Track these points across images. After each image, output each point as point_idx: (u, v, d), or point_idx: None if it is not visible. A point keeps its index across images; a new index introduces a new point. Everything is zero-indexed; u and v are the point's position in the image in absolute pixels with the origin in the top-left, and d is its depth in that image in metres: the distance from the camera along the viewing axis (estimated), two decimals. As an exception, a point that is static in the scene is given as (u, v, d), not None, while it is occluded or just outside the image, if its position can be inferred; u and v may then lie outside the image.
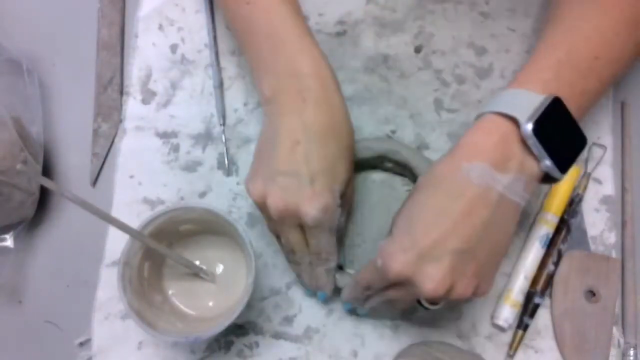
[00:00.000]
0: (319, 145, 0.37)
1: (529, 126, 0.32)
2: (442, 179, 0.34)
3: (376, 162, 0.46)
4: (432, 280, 0.32)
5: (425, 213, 0.34)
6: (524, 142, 0.33)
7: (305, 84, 0.38)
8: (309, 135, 0.37)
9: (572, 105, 0.34)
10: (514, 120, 0.33)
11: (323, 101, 0.38)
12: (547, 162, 0.33)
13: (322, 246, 0.39)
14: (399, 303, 0.39)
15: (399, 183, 0.47)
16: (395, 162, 0.45)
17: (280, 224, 0.39)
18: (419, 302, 0.38)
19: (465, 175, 0.33)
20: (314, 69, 0.38)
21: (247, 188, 0.39)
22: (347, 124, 0.40)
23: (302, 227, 0.39)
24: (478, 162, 0.33)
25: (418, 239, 0.33)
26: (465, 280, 0.33)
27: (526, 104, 0.33)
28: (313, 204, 0.36)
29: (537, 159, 0.34)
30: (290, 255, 0.41)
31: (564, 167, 0.34)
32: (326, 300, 0.43)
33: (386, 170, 0.47)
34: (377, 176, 0.47)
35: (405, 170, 0.46)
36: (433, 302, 0.38)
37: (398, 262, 0.33)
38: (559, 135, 0.34)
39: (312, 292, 0.44)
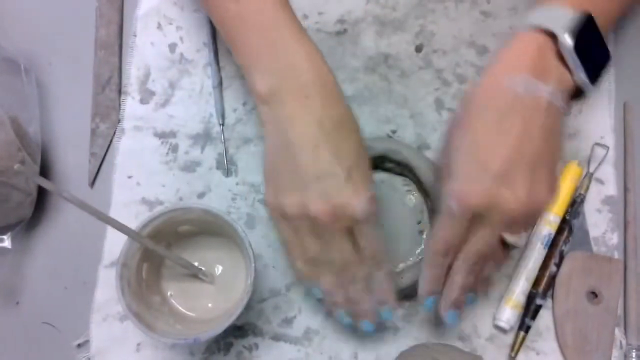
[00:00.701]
0: (340, 139, 0.36)
1: (569, 40, 0.34)
2: (488, 98, 0.35)
3: (377, 162, 0.45)
4: (515, 198, 0.33)
5: (485, 136, 0.34)
6: (559, 55, 0.35)
7: (305, 79, 0.37)
8: (326, 132, 0.36)
9: (598, 23, 0.36)
10: (549, 35, 0.35)
11: (326, 95, 0.37)
12: (582, 75, 0.35)
13: (376, 246, 0.37)
14: (483, 254, 0.36)
15: (399, 183, 0.46)
16: (396, 162, 0.45)
17: (326, 234, 0.36)
18: (502, 243, 0.37)
19: (512, 89, 0.34)
20: (312, 64, 0.37)
21: (278, 204, 0.37)
22: (352, 114, 0.39)
23: (350, 232, 0.37)
24: (520, 74, 0.34)
25: (488, 164, 0.33)
26: (542, 189, 0.34)
27: (563, 19, 0.35)
28: (360, 197, 0.35)
29: (571, 72, 0.35)
30: (335, 291, 0.38)
31: (594, 80, 0.36)
32: (374, 330, 0.39)
33: (386, 170, 0.46)
34: (377, 176, 0.46)
35: (406, 170, 0.45)
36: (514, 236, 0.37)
37: (475, 194, 0.33)
38: (589, 50, 0.35)
39: (352, 325, 0.40)
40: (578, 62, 0.35)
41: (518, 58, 0.35)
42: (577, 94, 0.37)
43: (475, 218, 0.35)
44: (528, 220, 0.36)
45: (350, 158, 0.36)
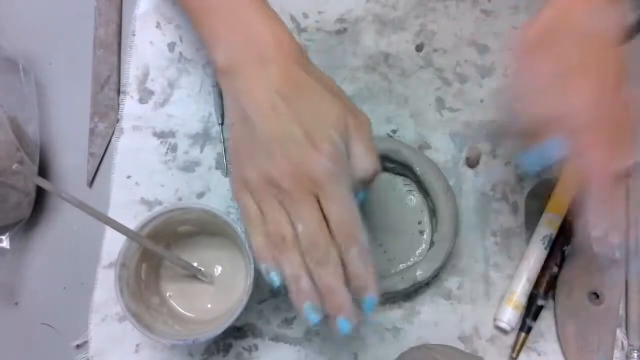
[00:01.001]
0: (298, 101, 0.34)
1: None
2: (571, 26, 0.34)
3: None
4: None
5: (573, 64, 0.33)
6: None
7: (262, 48, 0.35)
8: (283, 96, 0.34)
9: None
10: None
11: (284, 61, 0.35)
12: None
13: (345, 212, 0.33)
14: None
15: (400, 183, 0.46)
16: (397, 162, 0.44)
17: (291, 202, 0.33)
18: None
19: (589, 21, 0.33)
20: (270, 33, 0.36)
21: (241, 178, 0.35)
22: (323, 76, 0.36)
23: (318, 201, 0.33)
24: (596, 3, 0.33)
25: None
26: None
27: None
28: (319, 154, 0.32)
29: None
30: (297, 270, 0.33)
31: None
32: (351, 330, 0.33)
33: (387, 170, 0.46)
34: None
35: (406, 170, 0.45)
36: None
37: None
38: None
39: (320, 323, 0.33)
40: None
41: None
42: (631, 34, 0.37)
43: None
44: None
45: (309, 117, 0.34)
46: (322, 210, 0.33)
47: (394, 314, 0.44)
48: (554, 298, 0.44)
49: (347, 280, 0.33)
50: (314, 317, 0.33)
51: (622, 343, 0.43)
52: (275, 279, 0.34)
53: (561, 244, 0.44)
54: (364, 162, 0.35)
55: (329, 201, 0.33)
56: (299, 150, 0.33)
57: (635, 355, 0.42)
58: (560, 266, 0.44)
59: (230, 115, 0.37)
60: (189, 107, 0.49)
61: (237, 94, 0.35)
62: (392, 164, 0.45)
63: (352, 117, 0.35)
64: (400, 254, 0.44)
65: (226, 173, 0.47)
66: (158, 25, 0.50)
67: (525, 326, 0.43)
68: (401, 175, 0.46)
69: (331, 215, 0.33)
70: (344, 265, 0.33)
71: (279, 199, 0.33)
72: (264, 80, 0.34)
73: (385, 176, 0.46)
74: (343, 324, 0.32)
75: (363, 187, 0.36)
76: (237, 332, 0.44)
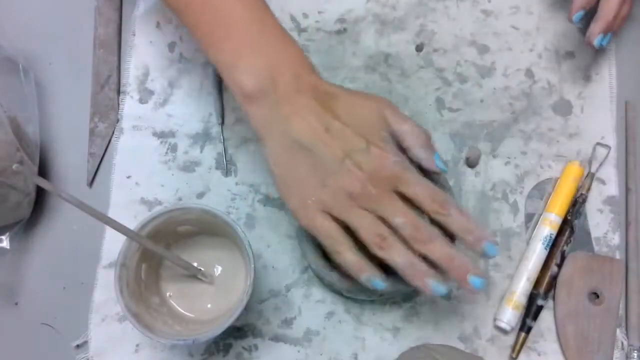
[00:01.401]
0: (342, 114, 0.37)
1: None
2: None
3: None
4: None
5: None
6: None
7: (296, 71, 0.37)
8: (329, 116, 0.36)
9: None
10: None
11: (315, 82, 0.38)
12: None
13: (430, 189, 0.36)
14: None
15: None
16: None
17: (375, 204, 0.36)
18: None
19: None
20: (294, 57, 0.38)
21: (316, 202, 0.36)
22: (340, 86, 0.39)
23: (397, 194, 0.36)
24: None
25: None
26: None
27: None
28: (387, 155, 0.36)
29: None
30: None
31: None
32: (484, 284, 0.35)
33: None
34: None
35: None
36: None
37: None
38: None
39: (450, 292, 0.39)
40: None
41: None
42: None
43: None
44: None
45: (360, 126, 0.36)
46: (406, 198, 0.36)
47: (394, 314, 0.44)
48: (553, 298, 0.44)
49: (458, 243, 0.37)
50: (441, 289, 0.35)
51: (622, 343, 0.43)
52: (379, 283, 0.36)
53: (561, 244, 0.44)
54: (413, 132, 0.38)
55: (411, 187, 0.36)
56: (368, 158, 0.36)
57: (635, 355, 0.42)
58: (560, 266, 0.44)
59: (271, 141, 0.37)
60: (189, 107, 0.49)
61: (279, 124, 0.36)
62: None
63: (381, 106, 0.39)
64: None
65: (226, 173, 0.47)
66: (158, 25, 0.50)
67: (525, 326, 0.43)
68: None
69: (419, 197, 0.36)
70: (450, 230, 0.36)
71: (365, 206, 0.36)
72: (306, 104, 0.36)
73: None
74: (475, 280, 0.35)
75: (432, 151, 0.38)
76: (237, 332, 0.44)
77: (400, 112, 0.39)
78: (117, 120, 0.49)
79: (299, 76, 0.37)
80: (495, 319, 0.43)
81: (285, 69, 0.37)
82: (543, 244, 0.44)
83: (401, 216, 0.36)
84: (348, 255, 0.36)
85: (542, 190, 0.46)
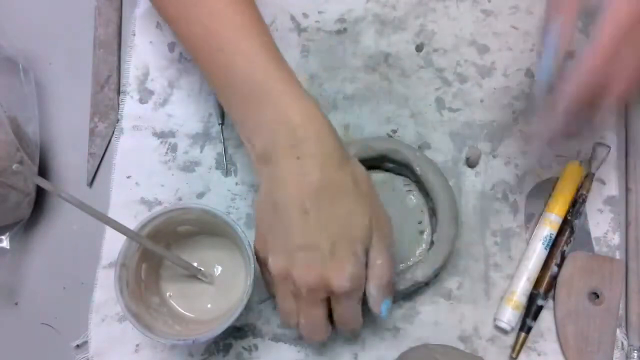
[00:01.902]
0: (327, 206, 0.34)
1: None
2: None
3: (377, 162, 0.45)
4: None
5: None
6: None
7: (298, 136, 0.34)
8: (314, 198, 0.34)
9: None
10: None
11: (321, 154, 0.34)
12: None
13: (349, 315, 0.37)
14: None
15: (400, 183, 0.46)
16: (396, 162, 0.44)
17: (306, 300, 0.36)
18: None
19: None
20: (306, 119, 0.35)
21: (264, 259, 0.37)
22: (355, 172, 0.36)
23: (328, 300, 0.36)
24: None
25: None
26: None
27: None
28: (342, 274, 0.34)
29: None
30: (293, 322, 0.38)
31: None
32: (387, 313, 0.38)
33: (387, 170, 0.46)
34: (377, 176, 0.46)
35: (406, 170, 0.45)
36: None
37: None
38: None
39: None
40: None
41: None
42: None
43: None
44: None
45: (337, 229, 0.34)
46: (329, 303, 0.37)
47: (394, 314, 0.44)
48: (554, 298, 0.44)
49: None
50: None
51: (622, 343, 0.43)
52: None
53: (561, 244, 0.44)
54: (382, 271, 0.36)
55: (339, 307, 0.36)
56: (322, 264, 0.34)
57: (635, 355, 0.42)
58: (560, 266, 0.44)
59: (262, 192, 0.37)
60: (189, 107, 0.49)
61: (272, 182, 0.36)
62: (392, 163, 0.45)
63: (377, 225, 0.36)
64: (400, 254, 0.44)
65: (226, 173, 0.47)
66: (158, 26, 0.50)
67: (525, 326, 0.43)
68: (401, 175, 0.46)
69: (337, 316, 0.37)
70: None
71: (292, 292, 0.36)
72: (299, 177, 0.34)
73: (385, 176, 0.46)
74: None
75: (384, 296, 0.37)
76: (237, 332, 0.44)
77: (385, 241, 0.36)
78: (117, 120, 0.49)
79: (303, 145, 0.35)
80: (495, 319, 0.43)
81: (292, 135, 0.35)
82: (543, 244, 0.44)
83: (307, 320, 0.37)
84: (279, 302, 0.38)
85: (542, 190, 0.46)
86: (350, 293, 0.35)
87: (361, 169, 0.37)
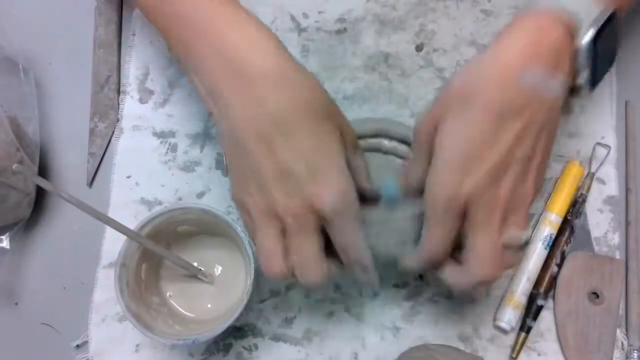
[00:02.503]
0: (291, 128, 0.31)
1: (588, 37, 0.31)
2: (497, 89, 0.31)
3: (373, 145, 0.43)
4: (503, 193, 0.32)
5: (484, 128, 0.31)
6: (572, 49, 0.32)
7: (239, 58, 0.32)
8: (274, 124, 0.31)
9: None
10: (568, 23, 0.32)
11: (271, 75, 0.32)
12: (585, 76, 0.33)
13: (348, 240, 0.33)
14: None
15: (398, 164, 0.43)
16: (394, 138, 0.43)
17: (295, 232, 0.33)
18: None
19: (523, 84, 0.31)
20: (247, 39, 0.32)
21: (243, 203, 0.34)
22: (312, 85, 0.33)
23: (323, 230, 0.33)
24: (536, 67, 0.31)
25: (483, 158, 0.31)
26: (529, 187, 0.33)
27: (589, 11, 0.32)
28: (327, 189, 0.31)
29: (576, 71, 0.33)
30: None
31: (594, 85, 0.34)
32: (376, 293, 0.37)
33: (385, 153, 0.44)
34: (375, 160, 0.43)
35: (403, 147, 0.43)
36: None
37: (467, 185, 0.31)
38: (600, 50, 0.33)
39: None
40: (588, 63, 0.32)
41: (536, 47, 0.31)
42: (571, 93, 0.35)
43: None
44: (512, 214, 0.33)
45: (307, 148, 0.32)
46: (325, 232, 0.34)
47: (394, 314, 0.44)
48: (553, 298, 0.44)
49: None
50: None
51: (622, 343, 0.43)
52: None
53: (561, 244, 0.44)
54: (362, 174, 0.36)
55: (334, 232, 0.33)
56: (303, 187, 0.32)
57: (635, 355, 0.42)
58: (560, 266, 0.44)
59: (221, 133, 0.34)
60: (189, 107, 0.49)
61: (227, 118, 0.33)
62: (389, 141, 0.43)
63: (346, 132, 0.35)
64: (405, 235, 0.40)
65: (226, 173, 0.47)
66: (158, 25, 0.50)
67: (525, 326, 0.43)
68: (401, 158, 0.43)
69: (337, 245, 0.34)
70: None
71: (281, 231, 0.33)
72: (250, 106, 0.32)
73: (382, 159, 0.43)
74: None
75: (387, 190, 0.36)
76: (237, 331, 0.44)
77: (357, 145, 0.36)
78: (117, 120, 0.49)
79: (254, 76, 0.32)
80: (495, 319, 0.43)
81: (240, 66, 0.32)
82: (543, 243, 0.44)
83: (299, 257, 0.33)
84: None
85: (542, 190, 0.46)
86: (340, 211, 0.32)
87: (317, 82, 0.34)
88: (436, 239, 0.33)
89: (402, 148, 0.43)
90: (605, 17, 0.32)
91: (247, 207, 0.34)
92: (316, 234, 0.33)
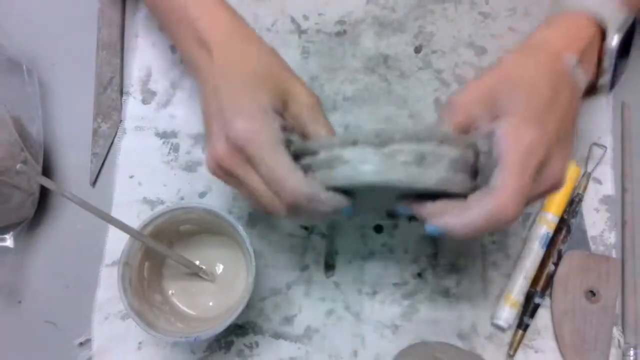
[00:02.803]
0: (236, 90, 0.35)
1: (615, 41, 0.34)
2: (546, 70, 0.33)
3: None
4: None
5: (538, 105, 0.32)
6: (599, 50, 0.34)
7: (199, 29, 0.37)
8: (215, 79, 0.36)
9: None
10: (599, 27, 0.34)
11: (225, 44, 0.37)
12: (607, 78, 0.36)
13: (269, 176, 0.33)
14: None
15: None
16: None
17: (230, 172, 0.35)
18: None
19: (566, 68, 0.33)
20: (207, 13, 0.38)
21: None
22: (260, 56, 0.37)
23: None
24: (575, 55, 0.33)
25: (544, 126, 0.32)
26: (563, 169, 0.33)
27: (616, 16, 0.34)
28: (235, 123, 0.34)
29: (599, 72, 0.35)
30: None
31: (613, 85, 0.37)
32: (350, 213, 0.35)
33: None
34: None
35: None
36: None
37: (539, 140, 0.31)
38: (620, 54, 0.35)
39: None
40: (612, 65, 0.35)
41: (573, 39, 0.34)
42: (589, 93, 0.37)
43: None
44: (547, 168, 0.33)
45: (240, 102, 0.35)
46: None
47: (393, 312, 0.44)
48: (550, 296, 0.44)
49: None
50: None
51: (619, 341, 0.43)
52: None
53: (558, 243, 0.44)
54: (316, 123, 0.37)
55: (257, 168, 0.34)
56: (226, 130, 0.34)
57: (631, 352, 0.43)
58: (557, 265, 0.44)
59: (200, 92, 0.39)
60: (191, 107, 0.49)
61: (200, 90, 0.38)
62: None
63: (295, 93, 0.37)
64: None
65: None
66: (161, 27, 0.51)
67: (522, 324, 0.43)
68: None
69: (262, 176, 0.34)
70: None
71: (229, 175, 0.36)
72: (210, 67, 0.37)
73: None
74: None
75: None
76: (238, 329, 0.44)
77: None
78: (120, 121, 0.49)
79: (205, 37, 0.37)
80: (492, 317, 0.44)
81: (194, 30, 0.38)
82: (540, 242, 0.44)
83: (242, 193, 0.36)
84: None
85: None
86: (245, 145, 0.33)
87: (261, 46, 0.38)
88: (514, 189, 0.31)
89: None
90: (629, 23, 0.34)
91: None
92: (247, 165, 0.35)
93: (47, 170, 0.48)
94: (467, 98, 0.34)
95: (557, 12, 0.36)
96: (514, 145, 0.31)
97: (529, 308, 0.43)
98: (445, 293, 0.45)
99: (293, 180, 0.33)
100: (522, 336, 0.43)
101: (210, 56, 0.37)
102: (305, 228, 0.46)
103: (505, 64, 0.34)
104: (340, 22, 0.50)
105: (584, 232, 0.45)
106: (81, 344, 0.45)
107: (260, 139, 0.33)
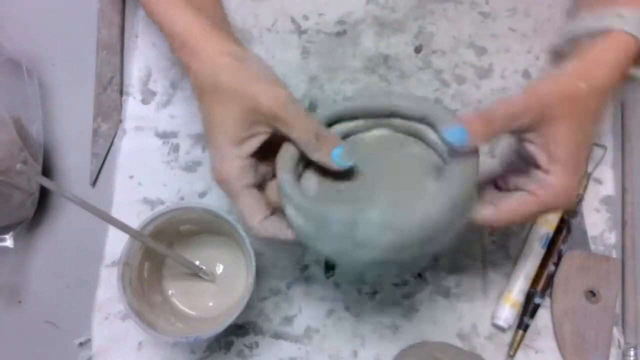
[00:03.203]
0: (205, 105, 0.37)
1: None
2: (592, 100, 0.34)
3: (378, 124, 0.39)
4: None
5: (580, 135, 0.35)
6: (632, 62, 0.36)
7: (182, 42, 0.38)
8: (202, 95, 0.37)
9: None
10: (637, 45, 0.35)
11: (198, 59, 0.37)
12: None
13: (239, 210, 0.36)
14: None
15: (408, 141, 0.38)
16: (411, 118, 0.37)
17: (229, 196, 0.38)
18: None
19: (602, 95, 0.35)
20: (186, 28, 0.38)
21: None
22: (225, 62, 0.37)
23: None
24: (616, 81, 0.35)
25: (580, 163, 0.35)
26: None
27: None
28: (211, 158, 0.37)
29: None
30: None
31: None
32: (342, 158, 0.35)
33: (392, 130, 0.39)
34: (377, 133, 0.39)
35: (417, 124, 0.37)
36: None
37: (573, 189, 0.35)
38: None
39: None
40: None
41: (621, 65, 0.35)
42: None
43: None
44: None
45: (208, 122, 0.37)
46: None
47: (394, 312, 0.44)
48: (551, 296, 0.44)
49: None
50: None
51: (619, 341, 0.43)
52: None
53: (558, 243, 0.44)
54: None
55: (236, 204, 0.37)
56: (211, 159, 0.37)
57: (631, 352, 0.43)
58: (557, 265, 0.44)
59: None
60: (191, 107, 0.49)
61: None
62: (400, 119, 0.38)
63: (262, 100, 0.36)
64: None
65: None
66: (160, 27, 0.51)
67: (522, 324, 0.43)
68: (406, 135, 0.38)
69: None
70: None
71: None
72: (194, 79, 0.37)
73: (387, 133, 0.39)
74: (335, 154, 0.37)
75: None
76: (238, 329, 0.44)
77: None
78: (120, 121, 0.49)
79: (194, 50, 0.38)
80: (493, 317, 0.44)
81: (187, 46, 0.38)
82: (540, 242, 0.44)
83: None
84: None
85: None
86: (221, 184, 0.37)
87: (233, 50, 0.38)
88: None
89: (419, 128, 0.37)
90: None
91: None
92: (240, 194, 0.36)
93: (47, 170, 0.49)
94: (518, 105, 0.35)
95: (602, 31, 0.36)
96: (567, 143, 0.34)
97: (529, 308, 0.43)
98: (445, 293, 0.45)
99: (253, 225, 0.36)
100: (522, 336, 0.43)
101: (192, 57, 0.37)
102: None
103: (561, 79, 0.36)
104: (340, 22, 0.50)
105: (584, 232, 0.45)
106: (81, 344, 0.45)
107: (231, 182, 0.36)
